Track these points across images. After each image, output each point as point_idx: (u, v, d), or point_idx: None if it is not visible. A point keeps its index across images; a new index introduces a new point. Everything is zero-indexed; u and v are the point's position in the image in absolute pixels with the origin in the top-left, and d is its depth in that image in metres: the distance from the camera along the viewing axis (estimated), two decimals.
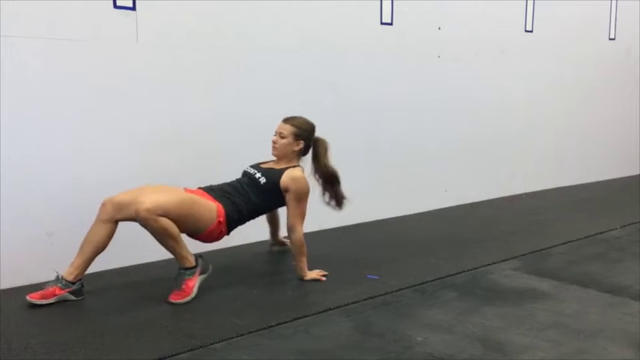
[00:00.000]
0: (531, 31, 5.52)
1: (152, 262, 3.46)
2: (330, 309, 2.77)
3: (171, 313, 2.72)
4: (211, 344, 2.40)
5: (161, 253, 3.49)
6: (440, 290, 3.04)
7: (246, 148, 3.84)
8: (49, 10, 3.07)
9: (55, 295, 2.81)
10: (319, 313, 2.73)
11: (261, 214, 3.26)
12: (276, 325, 2.59)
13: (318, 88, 4.17)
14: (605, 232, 4.23)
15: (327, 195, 3.32)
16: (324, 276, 3.20)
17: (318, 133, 4.23)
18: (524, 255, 3.65)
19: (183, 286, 2.87)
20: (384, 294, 2.97)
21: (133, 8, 3.32)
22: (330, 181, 3.30)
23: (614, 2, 6.28)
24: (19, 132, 3.03)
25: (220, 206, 2.99)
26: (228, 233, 3.11)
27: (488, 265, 3.45)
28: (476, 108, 5.17)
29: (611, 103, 6.45)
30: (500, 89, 5.36)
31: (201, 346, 2.38)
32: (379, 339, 2.46)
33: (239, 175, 3.33)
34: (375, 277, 3.23)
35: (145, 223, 2.76)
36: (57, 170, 3.16)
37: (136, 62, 3.38)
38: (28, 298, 2.79)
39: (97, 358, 2.29)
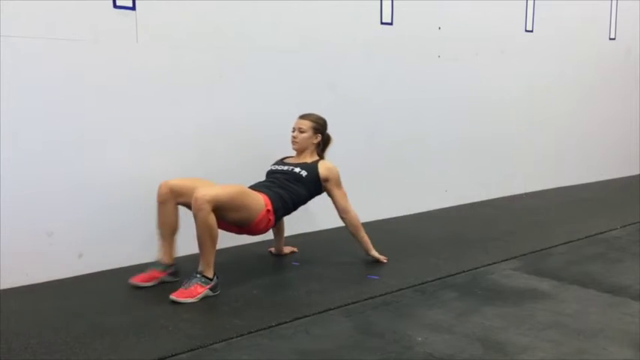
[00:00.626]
0: (531, 31, 5.52)
1: (151, 263, 3.46)
2: (330, 309, 2.77)
3: (171, 313, 2.72)
4: (211, 344, 2.40)
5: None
6: (440, 290, 3.04)
7: (245, 148, 3.86)
8: (48, 10, 3.07)
9: (156, 278, 3.06)
10: (319, 313, 2.73)
11: (302, 204, 3.41)
12: (276, 325, 2.59)
13: (318, 88, 4.17)
14: (605, 232, 4.23)
15: None
16: (382, 261, 3.46)
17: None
18: (524, 255, 3.65)
19: (191, 288, 2.89)
20: (384, 294, 2.97)
21: (133, 8, 3.32)
22: None
23: (614, 2, 6.28)
24: (19, 132, 3.03)
25: (266, 196, 3.16)
26: (275, 224, 3.29)
27: (488, 265, 3.45)
28: (476, 108, 5.18)
29: (611, 103, 6.46)
30: (500, 89, 5.36)
31: (201, 346, 2.38)
32: (379, 339, 2.46)
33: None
34: (375, 277, 3.23)
35: (196, 215, 2.86)
36: (57, 170, 3.16)
37: (136, 62, 3.38)
38: (131, 280, 3.02)
39: (97, 358, 2.29)
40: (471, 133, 5.16)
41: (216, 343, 2.41)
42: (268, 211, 3.13)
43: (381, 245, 3.87)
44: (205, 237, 2.89)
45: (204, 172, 3.57)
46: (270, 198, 3.17)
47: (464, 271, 3.33)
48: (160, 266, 3.10)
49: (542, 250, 3.77)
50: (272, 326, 2.57)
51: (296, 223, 4.06)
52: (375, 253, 3.48)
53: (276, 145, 3.83)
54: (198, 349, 2.36)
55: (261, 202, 3.11)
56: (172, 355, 2.31)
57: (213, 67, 3.67)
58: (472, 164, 5.21)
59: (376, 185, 4.46)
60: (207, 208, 2.83)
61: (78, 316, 2.69)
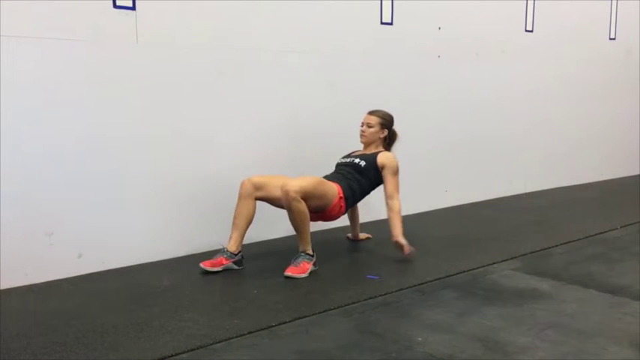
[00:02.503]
0: (531, 31, 5.52)
1: (152, 262, 3.46)
2: (330, 309, 2.77)
3: (172, 313, 2.72)
4: (211, 344, 2.40)
5: (161, 254, 3.51)
6: (440, 290, 3.04)
7: (245, 148, 3.86)
8: (49, 10, 3.07)
9: (222, 265, 3.30)
10: (319, 313, 2.73)
11: (367, 192, 3.67)
12: (276, 325, 2.59)
13: (318, 88, 4.17)
14: (605, 232, 4.23)
15: None
16: (409, 253, 3.55)
17: (318, 133, 4.26)
18: (524, 255, 3.65)
19: (301, 265, 3.25)
20: (384, 294, 2.97)
21: (133, 8, 3.32)
22: None
23: (614, 2, 6.28)
24: (19, 132, 3.03)
25: (339, 186, 3.47)
26: (345, 211, 3.55)
27: (488, 265, 3.45)
28: (476, 108, 5.18)
29: (611, 103, 6.46)
30: (500, 89, 5.36)
31: (201, 346, 2.38)
32: (379, 339, 2.46)
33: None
34: (375, 277, 3.23)
35: (291, 204, 3.19)
36: (57, 170, 3.16)
37: (136, 62, 3.38)
38: (201, 265, 3.27)
39: (97, 358, 2.29)
40: (471, 133, 5.16)
41: (216, 343, 2.41)
42: (340, 198, 3.44)
43: (381, 245, 3.88)
44: (301, 221, 3.24)
45: (204, 171, 3.58)
46: (342, 187, 3.47)
47: (464, 271, 3.33)
48: (227, 254, 3.33)
49: (542, 250, 3.77)
50: (272, 326, 2.57)
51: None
52: (401, 239, 3.54)
53: (277, 145, 3.84)
54: (198, 349, 2.36)
55: (335, 190, 3.43)
56: (172, 355, 2.31)
57: (212, 66, 3.67)
58: (472, 164, 5.21)
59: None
60: (298, 197, 3.18)
61: (78, 316, 2.69)
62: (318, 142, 4.19)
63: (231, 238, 3.37)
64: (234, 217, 3.39)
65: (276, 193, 3.32)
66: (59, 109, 3.15)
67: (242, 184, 3.40)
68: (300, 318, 2.66)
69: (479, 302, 2.87)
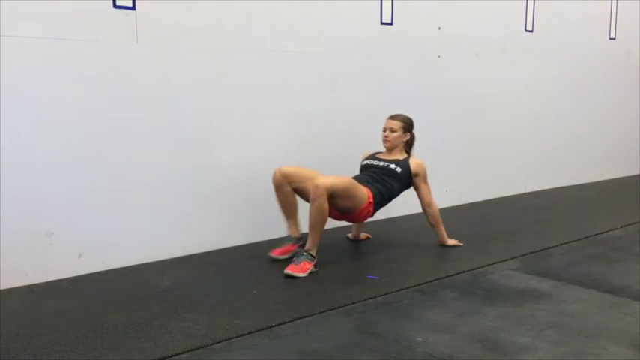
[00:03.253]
0: (531, 31, 5.52)
1: (152, 262, 3.46)
2: (330, 309, 2.77)
3: (172, 313, 2.72)
4: (211, 344, 2.40)
5: (161, 254, 3.51)
6: (440, 290, 3.04)
7: (245, 147, 3.85)
8: (48, 10, 3.07)
9: (290, 251, 3.47)
10: (319, 313, 2.73)
11: (394, 197, 3.74)
12: (276, 325, 2.59)
13: (318, 88, 4.17)
14: (605, 232, 4.23)
15: None
16: (458, 245, 3.79)
17: (318, 133, 4.26)
18: (524, 255, 3.65)
19: (302, 264, 3.26)
20: (384, 294, 2.97)
21: (133, 8, 3.32)
22: None
23: (614, 2, 6.28)
24: (19, 132, 3.03)
25: (369, 190, 3.52)
26: (372, 215, 3.60)
27: (488, 265, 3.45)
28: (476, 108, 5.18)
29: (611, 103, 6.45)
30: (500, 89, 5.36)
31: (201, 346, 2.38)
32: (379, 339, 2.46)
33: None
34: (375, 277, 3.23)
35: (316, 200, 3.23)
36: (57, 170, 3.16)
37: (136, 62, 3.38)
38: (270, 254, 3.45)
39: (97, 358, 2.29)
40: (471, 133, 5.16)
41: (216, 343, 2.41)
42: (370, 203, 3.49)
43: (381, 245, 3.89)
44: (318, 220, 3.27)
45: (204, 171, 3.58)
46: (373, 192, 3.52)
47: (464, 271, 3.33)
48: (292, 240, 3.53)
49: (542, 250, 3.77)
50: (272, 326, 2.57)
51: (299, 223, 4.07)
52: (449, 243, 3.79)
53: (276, 144, 3.84)
54: (198, 349, 2.36)
55: (365, 194, 3.47)
56: (172, 355, 2.31)
57: (212, 66, 3.67)
58: (472, 164, 5.21)
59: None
60: (325, 194, 3.22)
61: (78, 316, 2.69)
62: (318, 142, 4.19)
63: (288, 226, 3.56)
64: (280, 207, 3.55)
65: (304, 185, 3.42)
66: (59, 109, 3.15)
67: (273, 174, 3.51)
68: (300, 318, 2.66)
69: (479, 302, 2.87)
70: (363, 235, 4.06)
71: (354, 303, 2.85)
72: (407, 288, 3.05)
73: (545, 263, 3.52)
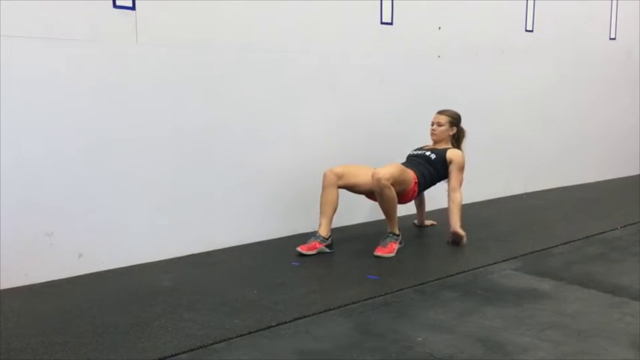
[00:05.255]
0: (532, 31, 5.52)
1: (152, 262, 3.46)
2: (330, 309, 2.77)
3: (171, 313, 2.72)
4: (211, 344, 2.40)
5: (161, 254, 3.51)
6: (440, 290, 3.04)
7: (245, 147, 3.86)
8: (48, 10, 3.07)
9: (316, 248, 3.62)
10: (319, 313, 2.73)
11: (434, 183, 4.02)
12: (276, 325, 2.59)
13: (317, 87, 4.17)
14: (605, 232, 4.23)
15: None
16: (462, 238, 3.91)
17: (318, 133, 4.26)
18: (524, 255, 3.65)
19: (389, 245, 3.60)
20: (384, 294, 2.97)
21: (133, 8, 3.32)
22: None
23: (614, 2, 6.28)
24: (19, 132, 3.03)
25: (414, 173, 3.81)
26: (417, 196, 3.97)
27: (489, 265, 3.45)
28: (476, 108, 5.17)
29: (611, 103, 6.45)
30: (500, 89, 5.36)
31: (201, 346, 2.38)
32: (379, 339, 2.46)
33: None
34: (375, 277, 3.23)
35: (382, 191, 3.52)
36: (57, 170, 3.16)
37: (136, 62, 3.38)
38: (298, 249, 3.58)
39: (97, 358, 2.29)
40: (471, 133, 5.13)
41: (216, 343, 2.41)
42: (416, 183, 3.80)
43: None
44: (391, 207, 3.61)
45: (203, 170, 3.57)
46: (417, 174, 3.82)
47: (464, 271, 3.33)
48: (319, 238, 3.65)
49: (542, 250, 3.77)
50: (272, 326, 2.57)
51: (297, 223, 4.07)
52: (458, 230, 3.89)
53: (280, 143, 3.83)
54: (198, 349, 2.36)
55: (411, 177, 3.77)
56: (172, 355, 2.31)
57: (212, 66, 3.67)
58: (472, 164, 5.18)
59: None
60: (389, 184, 3.51)
61: (78, 316, 2.69)
62: (318, 143, 4.19)
63: (321, 224, 3.69)
64: (321, 205, 3.71)
65: (355, 180, 3.72)
66: (59, 108, 3.15)
67: (324, 175, 3.71)
68: (300, 318, 2.66)
69: (479, 302, 2.87)
70: (428, 222, 4.39)
71: (354, 303, 2.84)
72: (407, 288, 3.05)
73: (545, 263, 3.52)
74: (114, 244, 3.37)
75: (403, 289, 3.04)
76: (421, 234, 4.25)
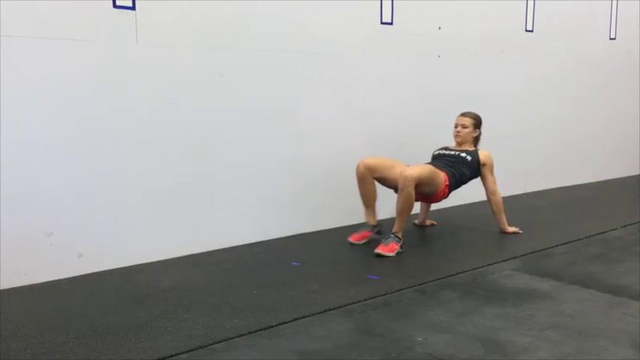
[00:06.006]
0: (532, 31, 5.52)
1: (152, 262, 3.46)
2: (330, 309, 2.77)
3: (171, 313, 2.72)
4: (211, 344, 2.40)
5: (161, 254, 3.51)
6: (440, 290, 3.04)
7: (245, 147, 3.85)
8: (48, 10, 3.07)
9: (366, 237, 3.84)
10: (319, 313, 2.73)
11: (465, 183, 4.07)
12: (276, 325, 2.59)
13: (317, 88, 4.16)
14: (605, 232, 4.23)
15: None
16: (517, 232, 4.12)
17: (318, 132, 4.26)
18: (524, 255, 3.65)
19: (390, 245, 3.61)
20: (384, 294, 2.97)
21: (133, 8, 3.32)
22: None
23: (614, 2, 6.28)
24: (19, 132, 3.03)
25: (446, 174, 3.86)
26: (447, 196, 3.97)
27: (489, 265, 3.45)
28: (476, 108, 5.15)
29: (611, 103, 6.45)
30: (500, 89, 5.35)
31: (201, 346, 2.38)
32: (379, 339, 2.46)
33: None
34: (375, 277, 3.23)
35: (404, 189, 3.58)
36: (57, 170, 3.16)
37: (136, 62, 3.38)
38: (349, 239, 3.79)
39: (97, 358, 2.29)
40: None
41: (216, 343, 2.41)
42: (446, 186, 3.85)
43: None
44: (406, 206, 3.62)
45: (202, 169, 3.57)
46: (449, 176, 3.87)
47: (464, 271, 3.33)
48: (369, 227, 3.87)
49: (542, 250, 3.77)
50: (272, 326, 2.57)
51: (297, 223, 4.08)
52: (509, 230, 4.11)
53: (280, 143, 3.83)
54: (198, 349, 2.36)
55: (442, 178, 3.82)
56: (172, 355, 2.31)
57: (212, 66, 3.67)
58: None
59: (377, 185, 4.46)
60: (412, 184, 3.56)
61: (78, 316, 2.69)
62: (318, 143, 4.19)
63: (366, 214, 3.89)
64: (361, 197, 3.88)
65: (386, 173, 3.80)
66: (59, 108, 3.15)
67: (357, 166, 3.84)
68: (300, 318, 2.66)
69: (479, 302, 2.87)
70: (428, 222, 4.42)
71: (354, 303, 2.84)
72: (407, 288, 3.05)
73: (545, 263, 3.52)
74: (114, 244, 3.37)
75: (403, 289, 3.04)
76: (421, 234, 4.24)
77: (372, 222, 3.89)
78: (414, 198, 3.63)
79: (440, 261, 3.56)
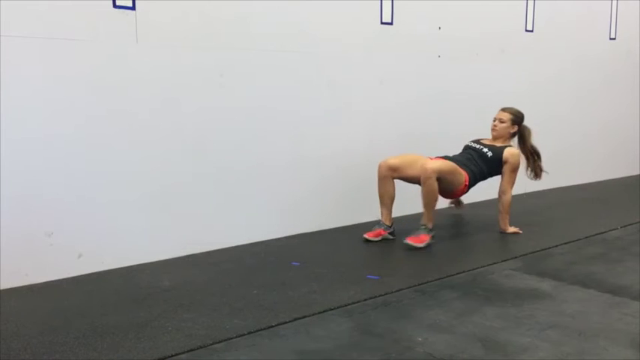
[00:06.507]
0: (532, 31, 5.52)
1: (152, 262, 3.46)
2: (330, 309, 2.77)
3: (171, 313, 2.72)
4: (211, 344, 2.40)
5: (162, 254, 3.51)
6: (440, 290, 3.04)
7: (245, 147, 3.85)
8: (48, 10, 3.07)
9: (381, 235, 3.92)
10: (319, 313, 2.73)
11: (484, 179, 4.11)
12: (276, 325, 2.59)
13: (317, 87, 4.16)
14: (605, 232, 4.23)
15: (529, 169, 4.29)
16: (517, 233, 4.14)
17: (318, 132, 4.25)
18: (524, 255, 3.65)
19: (421, 236, 3.73)
20: (384, 294, 2.97)
21: (133, 8, 3.32)
22: (534, 158, 4.27)
23: (614, 2, 6.28)
24: (19, 132, 3.03)
25: (466, 173, 3.92)
26: (467, 192, 4.06)
27: (489, 265, 3.45)
28: (476, 108, 5.17)
29: (611, 103, 6.45)
30: (500, 89, 5.35)
31: (201, 346, 2.38)
32: (379, 339, 2.46)
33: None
34: (375, 277, 3.23)
35: (426, 181, 3.66)
36: (57, 170, 3.16)
37: (136, 62, 3.38)
38: (365, 235, 3.88)
39: (97, 358, 2.29)
40: (471, 132, 5.13)
41: (216, 343, 2.41)
42: (465, 186, 3.94)
43: (381, 245, 3.88)
44: (430, 198, 3.70)
45: (202, 169, 3.57)
46: (469, 176, 3.94)
47: (464, 271, 3.33)
48: (384, 226, 3.94)
49: (542, 250, 3.77)
50: (272, 326, 2.57)
51: (297, 222, 4.08)
52: (508, 230, 4.13)
53: (280, 143, 3.83)
54: (198, 349, 2.36)
55: (462, 178, 3.89)
56: (172, 355, 2.31)
57: (213, 66, 3.67)
58: None
59: (376, 185, 4.45)
60: (434, 177, 3.64)
61: (78, 316, 2.69)
62: (318, 143, 4.19)
63: (382, 213, 3.96)
64: (380, 197, 3.95)
65: (410, 172, 3.86)
66: (59, 108, 3.15)
67: (379, 166, 3.92)
68: (300, 318, 2.66)
69: (479, 302, 2.87)
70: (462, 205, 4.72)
71: (354, 303, 2.84)
72: (407, 288, 3.05)
73: (545, 263, 3.52)
74: (114, 244, 3.37)
75: (403, 289, 3.04)
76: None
77: (387, 222, 3.95)
78: (437, 189, 3.68)
79: (440, 261, 3.56)
